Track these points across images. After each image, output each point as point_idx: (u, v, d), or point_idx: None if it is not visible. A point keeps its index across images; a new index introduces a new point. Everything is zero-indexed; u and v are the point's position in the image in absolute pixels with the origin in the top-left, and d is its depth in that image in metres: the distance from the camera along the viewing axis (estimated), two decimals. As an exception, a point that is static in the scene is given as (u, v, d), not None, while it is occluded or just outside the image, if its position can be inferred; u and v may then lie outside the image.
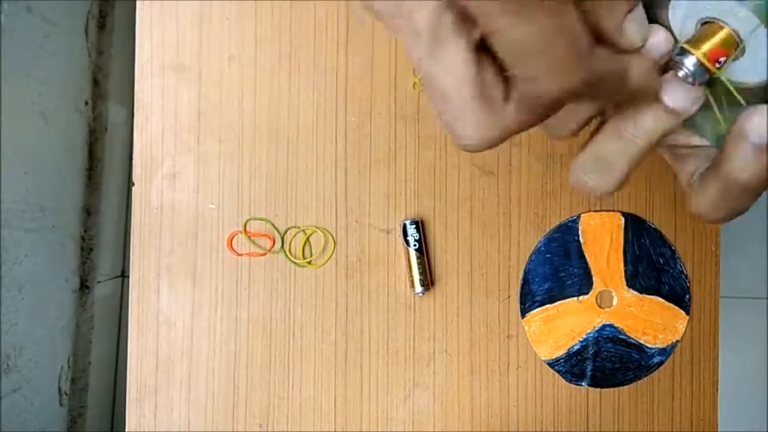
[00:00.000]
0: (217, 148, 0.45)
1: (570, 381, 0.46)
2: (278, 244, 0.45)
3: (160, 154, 0.45)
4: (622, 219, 0.46)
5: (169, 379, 0.45)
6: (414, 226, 0.44)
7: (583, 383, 0.46)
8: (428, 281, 0.45)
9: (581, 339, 0.46)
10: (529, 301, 0.46)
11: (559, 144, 0.46)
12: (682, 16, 0.22)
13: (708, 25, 0.21)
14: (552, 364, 0.46)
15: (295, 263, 0.45)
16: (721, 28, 0.20)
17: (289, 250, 0.45)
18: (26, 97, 0.77)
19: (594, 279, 0.46)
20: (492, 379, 0.45)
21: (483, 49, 0.19)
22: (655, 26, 0.21)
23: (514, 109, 0.20)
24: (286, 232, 0.45)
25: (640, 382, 0.46)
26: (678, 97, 0.21)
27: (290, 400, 0.45)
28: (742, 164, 0.20)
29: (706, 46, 0.20)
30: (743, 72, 0.21)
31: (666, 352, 0.46)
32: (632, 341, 0.46)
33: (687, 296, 0.46)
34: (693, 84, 0.21)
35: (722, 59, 0.20)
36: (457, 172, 0.46)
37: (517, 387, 0.46)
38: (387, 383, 0.45)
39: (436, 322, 0.45)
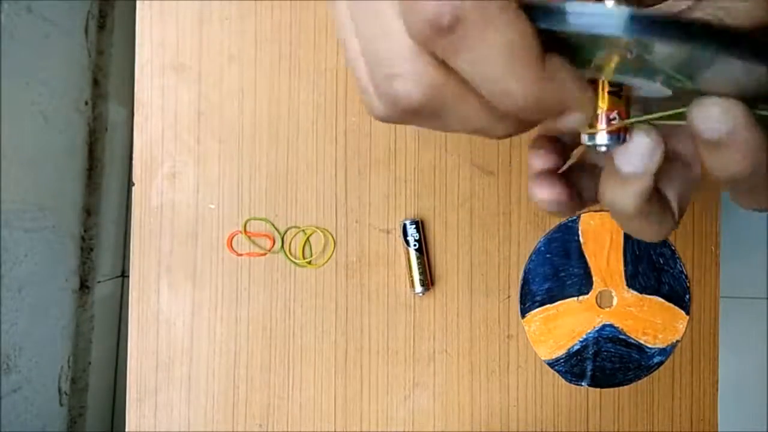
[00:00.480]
0: (217, 148, 0.45)
1: (570, 381, 0.46)
2: (278, 244, 0.45)
3: (160, 154, 0.45)
4: (622, 219, 0.46)
5: (169, 379, 0.45)
6: (414, 226, 0.44)
7: (583, 383, 0.46)
8: (428, 281, 0.45)
9: (581, 339, 0.46)
10: (529, 301, 0.46)
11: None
12: None
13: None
14: (552, 364, 0.46)
15: (295, 263, 0.45)
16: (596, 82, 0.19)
17: (289, 250, 0.45)
18: (26, 97, 0.77)
19: (594, 279, 0.46)
20: (492, 379, 0.45)
21: None
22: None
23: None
24: (286, 232, 0.45)
25: (640, 382, 0.46)
26: (629, 161, 0.20)
27: (290, 400, 0.45)
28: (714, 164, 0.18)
29: (598, 119, 0.20)
30: (655, 90, 0.20)
31: (666, 352, 0.46)
32: (632, 341, 0.46)
33: (687, 296, 0.46)
34: (609, 150, 0.20)
35: (613, 115, 0.19)
36: (457, 172, 0.46)
37: (517, 387, 0.46)
38: (387, 383, 0.45)
39: (436, 322, 0.45)
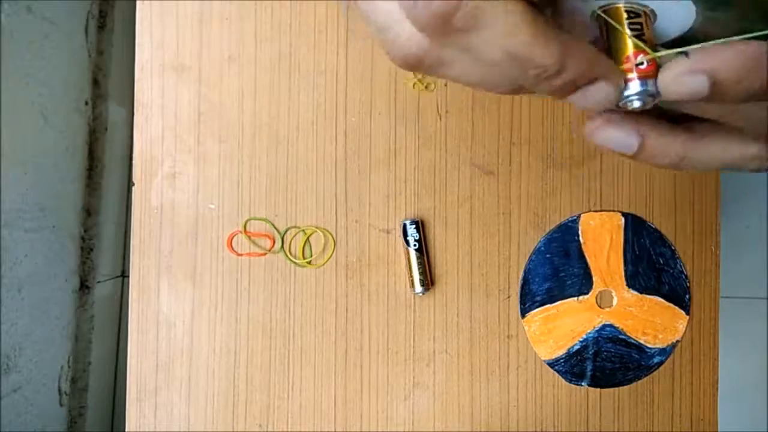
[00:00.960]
0: (217, 148, 0.45)
1: (570, 381, 0.46)
2: (278, 244, 0.45)
3: (160, 154, 0.45)
4: (622, 219, 0.46)
5: (169, 379, 0.45)
6: (414, 226, 0.44)
7: (583, 383, 0.46)
8: (428, 281, 0.45)
9: (581, 339, 0.46)
10: (529, 301, 0.46)
11: (559, 144, 0.46)
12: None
13: (610, 32, 0.19)
14: (552, 364, 0.46)
15: (295, 263, 0.45)
16: (619, 28, 0.18)
17: (289, 250, 0.45)
18: (26, 97, 0.77)
19: (594, 279, 0.46)
20: (492, 379, 0.45)
21: None
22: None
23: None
24: (286, 232, 0.45)
25: (640, 382, 0.46)
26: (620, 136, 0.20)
27: (290, 400, 0.45)
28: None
29: (627, 61, 0.18)
30: (665, 29, 0.19)
31: (666, 352, 0.46)
32: (632, 341, 0.46)
33: (687, 296, 0.46)
34: (653, 100, 0.18)
35: (640, 58, 0.18)
36: (457, 172, 0.46)
37: (517, 387, 0.46)
38: (387, 383, 0.45)
39: (436, 322, 0.45)
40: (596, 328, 0.46)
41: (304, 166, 0.45)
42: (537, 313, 0.46)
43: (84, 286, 0.92)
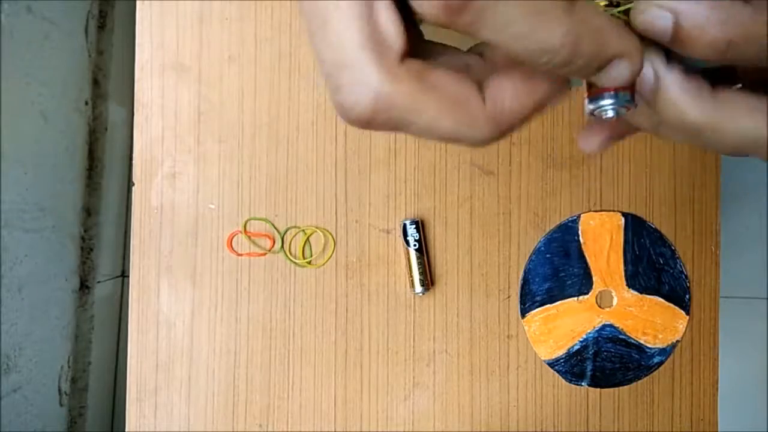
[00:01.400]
0: (217, 148, 0.45)
1: (570, 381, 0.46)
2: (278, 244, 0.45)
3: (160, 154, 0.45)
4: (622, 219, 0.46)
5: (169, 379, 0.45)
6: (414, 226, 0.44)
7: (583, 383, 0.46)
8: (428, 281, 0.45)
9: (581, 339, 0.46)
10: (529, 301, 0.46)
11: (559, 144, 0.46)
12: None
13: None
14: (552, 364, 0.46)
15: (295, 263, 0.45)
16: None
17: (289, 250, 0.45)
18: (26, 97, 0.77)
19: (594, 279, 0.46)
20: (492, 379, 0.45)
21: None
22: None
23: (408, 73, 0.16)
24: (286, 232, 0.45)
25: (640, 382, 0.46)
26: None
27: (290, 400, 0.45)
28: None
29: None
30: None
31: (666, 352, 0.46)
32: (632, 341, 0.46)
33: (687, 296, 0.46)
34: (629, 109, 0.18)
35: None
36: (457, 172, 0.46)
37: (517, 387, 0.46)
38: (387, 383, 0.45)
39: (436, 322, 0.45)
40: (596, 328, 0.46)
41: (304, 166, 0.45)
42: (537, 313, 0.46)
43: (84, 286, 0.92)
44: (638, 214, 0.46)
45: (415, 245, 0.44)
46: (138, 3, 0.45)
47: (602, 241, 0.46)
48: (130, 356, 0.45)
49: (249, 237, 0.45)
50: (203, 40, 0.45)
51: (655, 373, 0.46)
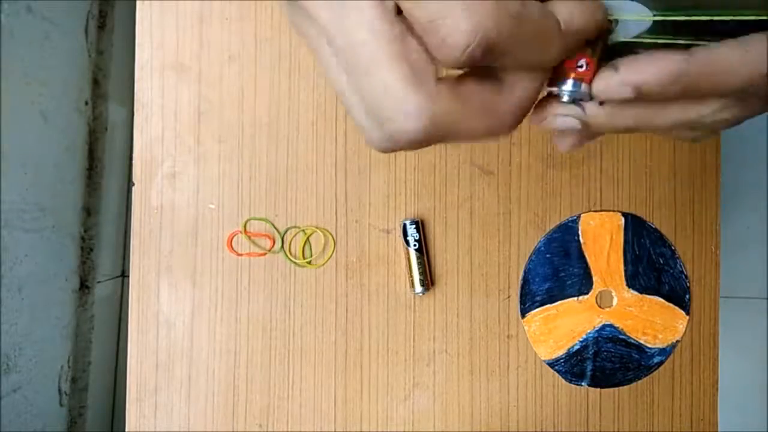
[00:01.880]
0: (217, 148, 0.45)
1: (570, 381, 0.46)
2: (278, 244, 0.45)
3: (160, 154, 0.45)
4: (622, 219, 0.46)
5: (169, 379, 0.45)
6: (414, 226, 0.44)
7: (583, 383, 0.46)
8: (428, 281, 0.45)
9: (581, 339, 0.46)
10: (529, 301, 0.46)
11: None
12: None
13: None
14: (552, 364, 0.46)
15: (295, 263, 0.45)
16: None
17: (289, 250, 0.45)
18: (26, 97, 0.77)
19: (594, 279, 0.46)
20: (492, 379, 0.45)
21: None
22: None
23: (446, 90, 0.18)
24: (286, 232, 0.45)
25: (640, 382, 0.46)
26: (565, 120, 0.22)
27: (290, 400, 0.45)
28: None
29: (570, 61, 0.20)
30: (627, 29, 0.21)
31: (666, 352, 0.46)
32: (632, 341, 0.46)
33: (687, 296, 0.46)
34: (581, 99, 0.21)
35: (581, 61, 0.20)
36: (457, 172, 0.46)
37: (517, 387, 0.46)
38: (387, 383, 0.45)
39: (436, 322, 0.45)
40: (596, 328, 0.46)
41: (304, 166, 0.45)
42: (537, 313, 0.46)
43: (84, 286, 0.92)
44: (638, 214, 0.46)
45: (415, 245, 0.44)
46: (138, 3, 0.45)
47: (602, 241, 0.46)
48: (130, 356, 0.45)
49: (249, 237, 0.45)
50: (203, 40, 0.45)
51: (655, 373, 0.46)
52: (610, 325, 0.46)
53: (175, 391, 0.45)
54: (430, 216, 0.45)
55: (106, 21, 0.95)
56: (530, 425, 0.46)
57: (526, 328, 0.46)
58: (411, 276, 0.44)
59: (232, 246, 0.45)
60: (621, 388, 0.46)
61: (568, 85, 0.21)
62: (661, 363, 0.46)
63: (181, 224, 0.45)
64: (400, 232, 0.45)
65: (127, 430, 0.45)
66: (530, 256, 0.46)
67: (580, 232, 0.46)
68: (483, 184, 0.46)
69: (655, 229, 0.46)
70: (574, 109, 0.21)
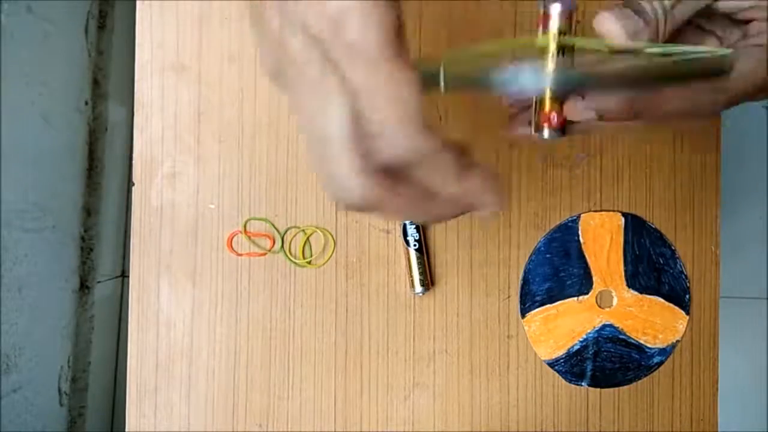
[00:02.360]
0: (217, 148, 0.45)
1: (570, 381, 0.46)
2: (278, 244, 0.45)
3: (160, 154, 0.45)
4: (622, 219, 0.46)
5: (169, 379, 0.45)
6: (414, 226, 0.44)
7: (583, 383, 0.46)
8: (428, 281, 0.45)
9: (581, 339, 0.46)
10: (529, 301, 0.46)
11: (559, 144, 0.46)
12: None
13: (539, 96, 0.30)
14: (552, 364, 0.46)
15: (295, 263, 0.45)
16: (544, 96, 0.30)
17: (289, 250, 0.45)
18: (26, 97, 0.77)
19: (594, 279, 0.46)
20: (492, 379, 0.45)
21: None
22: None
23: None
24: (286, 232, 0.45)
25: (640, 382, 0.46)
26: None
27: (290, 400, 0.45)
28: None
29: (544, 115, 0.30)
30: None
31: (666, 352, 0.46)
32: (632, 341, 0.46)
33: (687, 296, 0.46)
34: (558, 140, 0.34)
35: (553, 115, 0.30)
36: (457, 172, 0.45)
37: (517, 387, 0.46)
38: (387, 383, 0.45)
39: (436, 322, 0.45)
40: (596, 328, 0.46)
41: (304, 166, 0.45)
42: (537, 313, 0.46)
43: (84, 286, 0.92)
44: (638, 214, 0.46)
45: (415, 245, 0.44)
46: (138, 3, 0.45)
47: (602, 241, 0.46)
48: (130, 356, 0.45)
49: (249, 237, 0.45)
50: (203, 40, 0.45)
51: (655, 373, 0.46)
52: (610, 325, 0.46)
53: (175, 391, 0.45)
54: (430, 216, 0.45)
55: (106, 21, 0.95)
56: (530, 425, 0.46)
57: (526, 328, 0.46)
58: (411, 276, 0.44)
59: (232, 246, 0.45)
60: (621, 388, 0.46)
61: (546, 134, 0.30)
62: (661, 363, 0.46)
63: (181, 224, 0.45)
64: (400, 232, 0.45)
65: (127, 430, 0.45)
66: (530, 256, 0.46)
67: (580, 232, 0.46)
68: (483, 184, 0.46)
69: (655, 229, 0.46)
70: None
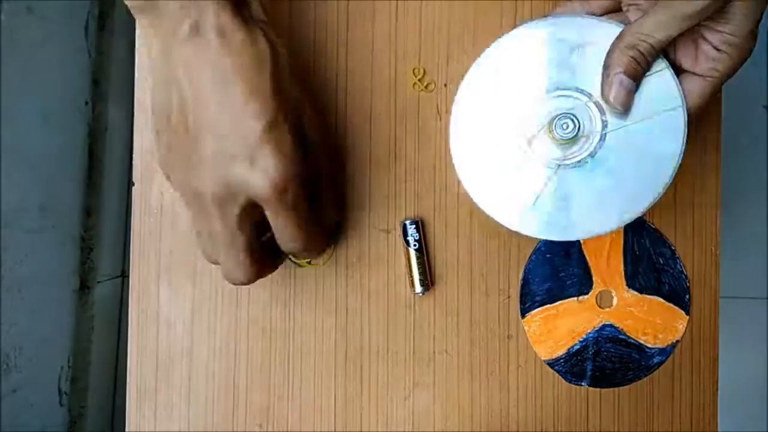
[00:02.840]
0: (217, 148, 0.45)
1: (570, 381, 0.46)
2: (278, 244, 0.45)
3: (160, 154, 0.45)
4: (622, 219, 0.46)
5: (169, 379, 0.45)
6: (414, 226, 0.44)
7: (583, 383, 0.46)
8: (428, 281, 0.45)
9: (581, 339, 0.46)
10: (529, 301, 0.46)
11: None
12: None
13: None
14: (552, 364, 0.46)
15: (295, 263, 0.45)
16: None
17: (289, 250, 0.45)
18: (26, 97, 0.77)
19: (594, 279, 0.46)
20: (492, 379, 0.45)
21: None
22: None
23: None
24: (286, 232, 0.45)
25: (640, 382, 0.46)
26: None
27: (290, 400, 0.45)
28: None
29: None
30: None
31: (666, 352, 0.46)
32: (632, 341, 0.46)
33: (687, 296, 0.46)
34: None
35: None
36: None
37: (517, 387, 0.46)
38: (387, 383, 0.45)
39: (436, 322, 0.45)
40: (596, 328, 0.46)
41: (304, 166, 0.45)
42: (537, 313, 0.46)
43: (84, 286, 0.92)
44: (638, 214, 0.46)
45: (415, 245, 0.44)
46: (138, 3, 0.45)
47: (602, 241, 0.46)
48: (130, 356, 0.45)
49: (249, 237, 0.45)
50: (203, 40, 0.45)
51: (655, 373, 0.46)
52: (610, 325, 0.46)
53: (175, 391, 0.45)
54: (430, 216, 0.45)
55: (106, 21, 0.95)
56: (530, 425, 0.46)
57: (526, 328, 0.46)
58: (411, 276, 0.44)
59: (232, 246, 0.45)
60: (621, 388, 0.46)
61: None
62: (661, 363, 0.46)
63: (181, 224, 0.45)
64: (400, 232, 0.45)
65: (127, 430, 0.45)
66: (530, 256, 0.46)
67: (580, 232, 0.46)
68: (483, 184, 0.46)
69: (655, 229, 0.46)
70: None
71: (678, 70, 0.38)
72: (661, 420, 0.46)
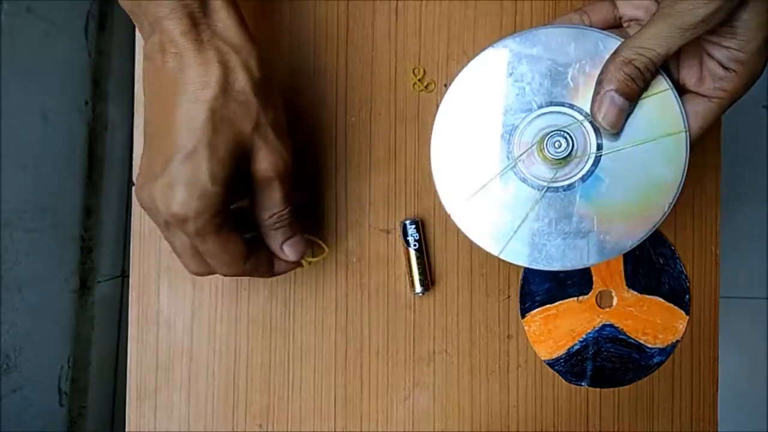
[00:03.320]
0: (217, 148, 0.45)
1: (570, 381, 0.46)
2: (278, 244, 0.45)
3: (160, 154, 0.45)
4: (622, 219, 0.46)
5: (169, 379, 0.45)
6: (414, 226, 0.44)
7: (583, 383, 0.46)
8: (428, 281, 0.45)
9: (581, 339, 0.46)
10: (529, 301, 0.46)
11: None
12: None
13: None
14: (552, 364, 0.46)
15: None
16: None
17: (289, 250, 0.45)
18: (26, 97, 0.77)
19: (594, 279, 0.46)
20: (492, 379, 0.45)
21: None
22: None
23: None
24: (286, 232, 0.45)
25: (640, 382, 0.46)
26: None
27: (290, 400, 0.45)
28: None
29: None
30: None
31: (666, 352, 0.46)
32: (632, 341, 0.46)
33: (687, 296, 0.46)
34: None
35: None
36: (457, 172, 0.45)
37: (517, 387, 0.46)
38: (387, 383, 0.45)
39: (436, 322, 0.45)
40: (596, 328, 0.46)
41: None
42: (537, 313, 0.46)
43: (84, 287, 0.92)
44: (638, 214, 0.46)
45: (415, 245, 0.44)
46: (138, 3, 0.45)
47: (602, 241, 0.46)
48: (130, 356, 0.45)
49: (249, 237, 0.45)
50: (203, 40, 0.45)
51: (655, 373, 0.46)
52: (610, 325, 0.46)
53: (175, 391, 0.45)
54: (430, 216, 0.45)
55: (106, 21, 0.95)
56: (530, 425, 0.46)
57: (526, 328, 0.46)
58: (411, 276, 0.44)
59: (232, 246, 0.45)
60: (621, 388, 0.46)
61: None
62: (661, 363, 0.46)
63: (181, 224, 0.45)
64: (400, 232, 0.45)
65: (127, 430, 0.45)
66: (530, 256, 0.46)
67: (580, 232, 0.46)
68: (483, 184, 0.46)
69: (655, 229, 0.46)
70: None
71: (681, 90, 0.35)
72: (661, 420, 0.46)
